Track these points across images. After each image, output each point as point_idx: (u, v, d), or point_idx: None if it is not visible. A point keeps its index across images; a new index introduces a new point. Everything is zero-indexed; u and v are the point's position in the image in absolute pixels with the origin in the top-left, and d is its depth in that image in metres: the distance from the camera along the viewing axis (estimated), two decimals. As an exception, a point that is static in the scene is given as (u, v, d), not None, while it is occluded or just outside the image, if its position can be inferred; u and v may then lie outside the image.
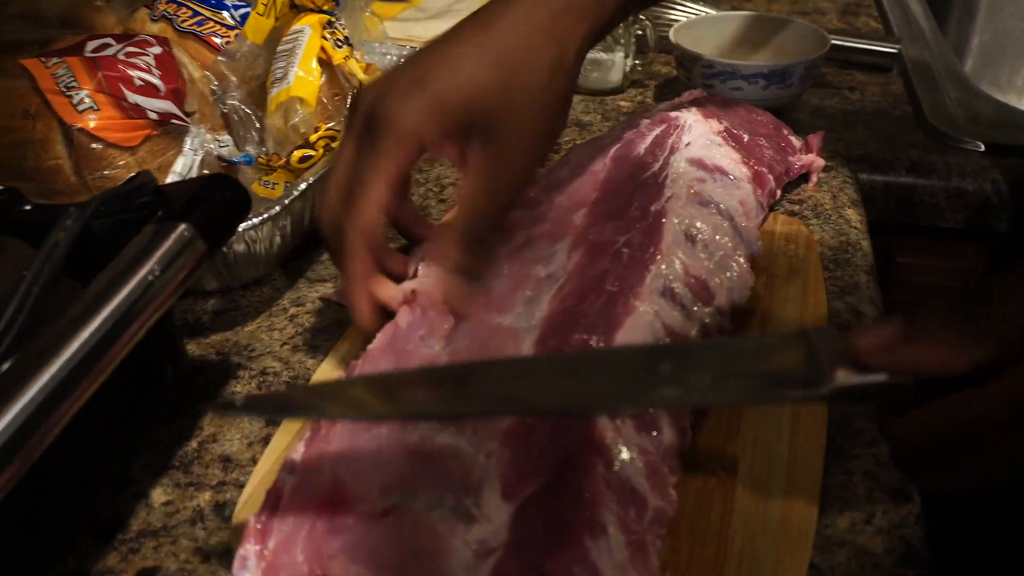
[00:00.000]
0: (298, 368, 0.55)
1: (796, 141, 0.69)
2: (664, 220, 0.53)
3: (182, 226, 0.44)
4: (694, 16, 0.92)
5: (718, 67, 0.78)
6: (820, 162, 0.70)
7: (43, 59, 0.61)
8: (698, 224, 0.54)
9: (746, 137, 0.65)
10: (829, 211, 0.68)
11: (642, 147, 0.62)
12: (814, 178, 0.70)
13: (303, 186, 0.60)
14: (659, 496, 0.41)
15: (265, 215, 0.57)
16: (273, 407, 0.47)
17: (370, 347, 0.50)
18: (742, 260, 0.54)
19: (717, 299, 0.51)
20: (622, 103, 0.88)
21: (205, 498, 0.47)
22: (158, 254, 0.42)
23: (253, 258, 0.60)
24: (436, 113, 0.49)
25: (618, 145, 0.63)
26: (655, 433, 0.43)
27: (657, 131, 0.63)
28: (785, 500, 0.43)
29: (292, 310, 0.60)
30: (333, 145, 0.64)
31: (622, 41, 0.86)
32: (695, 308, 0.49)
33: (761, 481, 0.44)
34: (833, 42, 0.87)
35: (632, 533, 0.39)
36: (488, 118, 0.49)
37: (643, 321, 0.47)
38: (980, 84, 0.91)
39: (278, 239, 0.61)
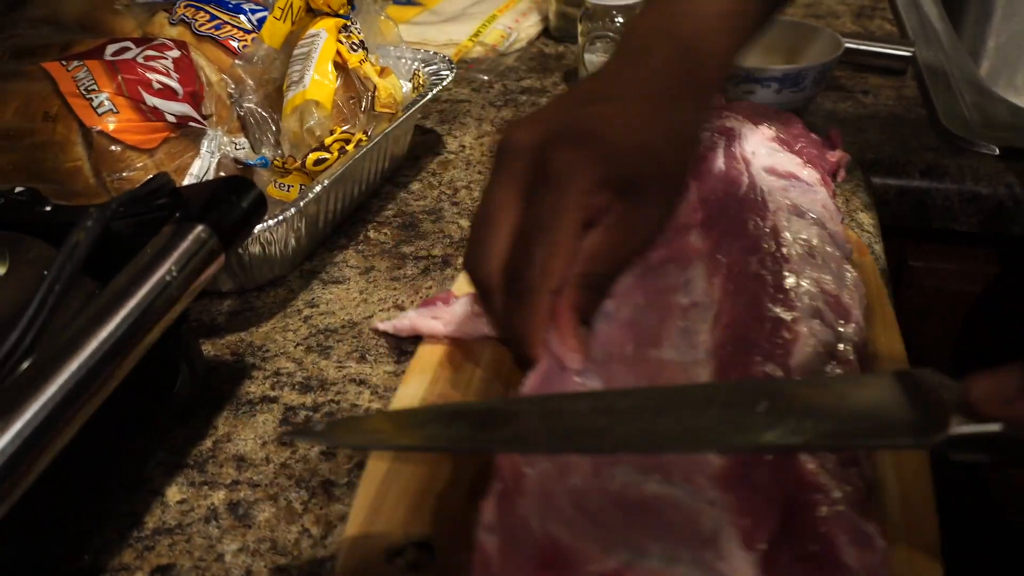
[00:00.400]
0: (311, 369, 0.56)
1: (818, 139, 0.70)
2: (783, 237, 0.52)
3: (199, 227, 0.45)
4: (708, 19, 0.92)
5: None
6: (846, 157, 0.70)
7: (64, 62, 0.62)
8: (805, 236, 0.53)
9: (792, 140, 0.65)
10: (842, 215, 0.68)
11: (719, 160, 0.61)
12: (842, 173, 0.70)
13: (318, 188, 0.61)
14: (879, 534, 0.38)
15: (280, 217, 0.58)
16: (352, 436, 0.43)
17: (524, 387, 0.46)
18: (850, 268, 0.53)
19: (853, 314, 0.50)
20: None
21: (219, 497, 0.47)
22: (176, 255, 0.43)
23: (268, 260, 0.61)
24: (608, 167, 0.47)
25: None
26: (857, 468, 0.41)
27: (722, 142, 0.63)
28: (904, 518, 0.43)
29: (306, 311, 0.61)
30: (348, 148, 0.65)
31: (636, 44, 0.87)
32: (839, 326, 0.48)
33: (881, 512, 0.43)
34: (847, 45, 0.87)
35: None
36: (647, 177, 0.48)
37: (809, 346, 0.46)
38: (996, 87, 0.91)
39: (293, 241, 0.62)
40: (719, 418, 0.36)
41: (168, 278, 0.42)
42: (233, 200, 0.47)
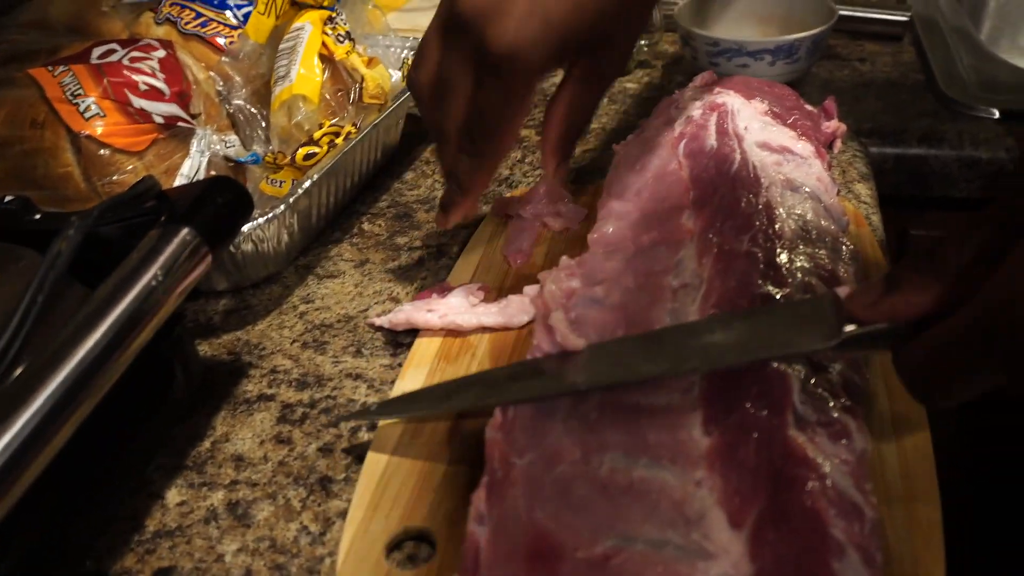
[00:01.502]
0: (308, 365, 0.56)
1: (813, 110, 0.69)
2: (776, 213, 0.52)
3: (185, 230, 0.45)
4: (700, -7, 0.91)
5: (723, 44, 0.77)
6: (843, 127, 0.69)
7: (50, 68, 0.62)
8: (799, 211, 0.53)
9: (785, 113, 0.64)
10: (839, 186, 0.67)
11: (711, 138, 0.61)
12: (839, 144, 0.69)
13: (307, 184, 0.60)
14: (869, 505, 0.39)
15: (271, 214, 0.58)
16: (402, 407, 0.50)
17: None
18: (846, 240, 0.53)
19: (849, 286, 0.50)
20: (629, 84, 0.87)
21: (218, 497, 0.48)
22: (161, 259, 0.43)
23: (262, 257, 0.61)
24: (555, 41, 0.49)
25: (684, 140, 0.61)
26: (846, 441, 0.41)
27: (714, 118, 0.62)
28: (906, 490, 0.43)
29: (302, 307, 0.61)
30: (337, 141, 0.65)
31: (627, 22, 0.86)
32: None
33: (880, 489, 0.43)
34: (842, 13, 0.86)
35: (862, 549, 0.37)
36: (600, 37, 0.51)
37: None
38: (998, 48, 0.90)
39: (286, 237, 0.62)
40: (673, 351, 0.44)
41: (154, 282, 0.42)
42: (219, 201, 0.47)
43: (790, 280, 0.48)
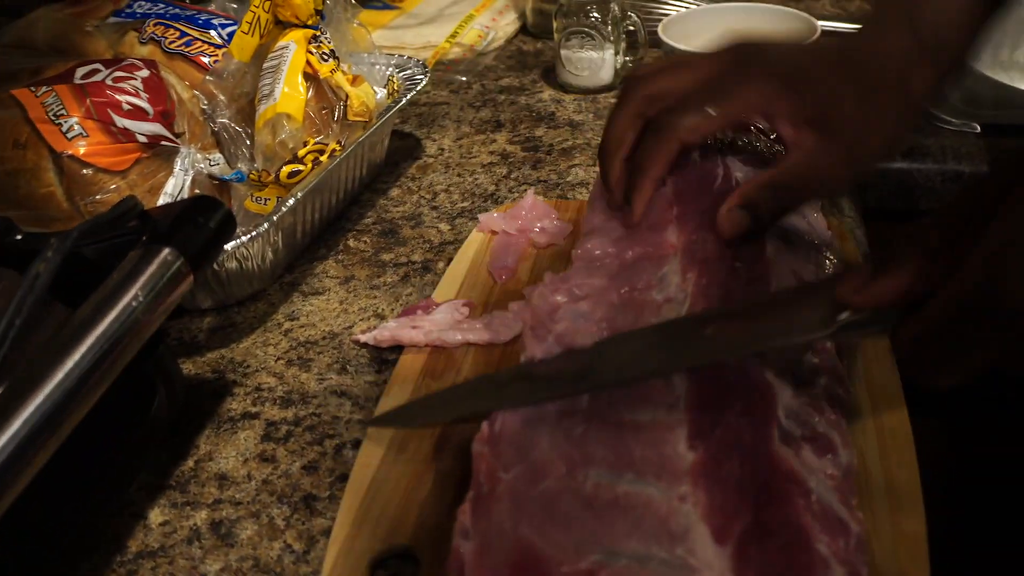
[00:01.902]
0: (292, 383, 0.56)
1: None
2: None
3: (166, 250, 0.45)
4: (684, 10, 0.92)
5: (707, 60, 0.77)
6: None
7: (33, 88, 0.62)
8: (782, 226, 0.53)
9: (766, 126, 0.64)
10: (823, 200, 0.67)
11: (694, 153, 0.60)
12: None
13: (291, 202, 0.61)
14: (855, 520, 0.39)
15: (254, 232, 0.58)
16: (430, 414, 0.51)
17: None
18: (830, 255, 0.53)
19: None
20: (615, 100, 0.88)
21: (201, 517, 0.47)
22: (142, 279, 0.43)
23: (246, 275, 0.61)
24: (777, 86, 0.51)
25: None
26: (831, 455, 0.42)
27: None
28: (891, 505, 0.43)
29: (287, 325, 0.61)
30: (322, 158, 0.65)
31: (612, 38, 0.86)
32: None
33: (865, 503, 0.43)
34: (824, 27, 0.87)
35: (847, 564, 0.37)
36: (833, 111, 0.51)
37: None
38: (981, 62, 0.90)
39: (270, 255, 0.62)
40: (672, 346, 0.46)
41: (135, 303, 0.42)
42: (200, 221, 0.47)
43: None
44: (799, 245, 0.53)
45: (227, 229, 0.48)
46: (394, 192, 0.75)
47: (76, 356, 0.39)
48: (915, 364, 0.39)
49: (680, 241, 0.55)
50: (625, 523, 0.39)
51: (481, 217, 0.65)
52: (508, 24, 1.03)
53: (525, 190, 0.73)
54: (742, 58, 0.52)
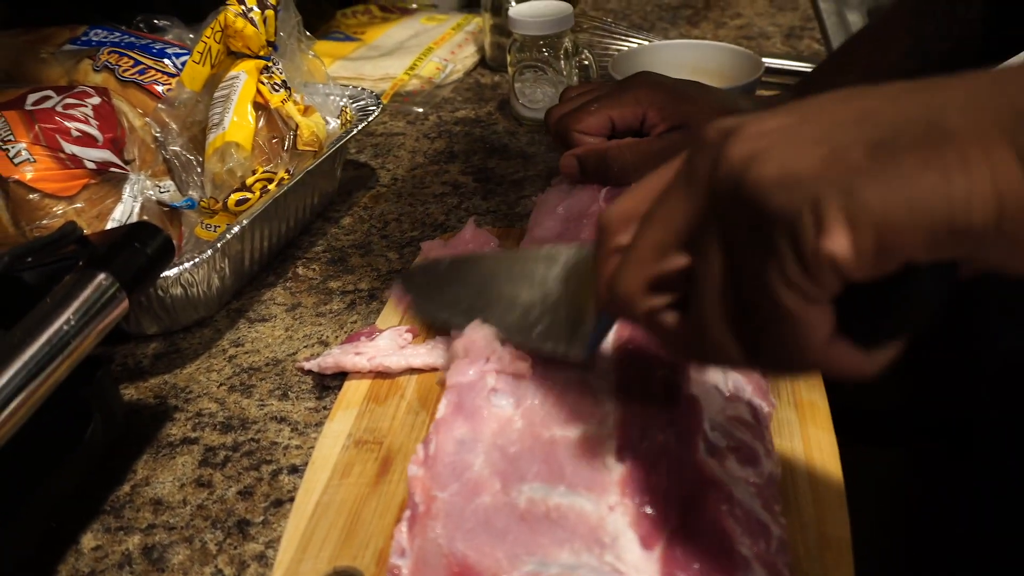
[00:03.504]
0: (233, 408, 0.56)
1: None
2: None
3: (101, 275, 0.45)
4: (635, 46, 0.94)
5: (654, 95, 0.79)
6: None
7: (-18, 114, 0.63)
8: None
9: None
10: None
11: None
12: None
13: (236, 229, 0.61)
14: (776, 524, 0.41)
15: (198, 258, 0.58)
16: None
17: (439, 415, 0.48)
18: None
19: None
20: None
21: (134, 541, 0.47)
22: (76, 303, 0.44)
23: (192, 301, 0.61)
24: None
25: (608, 188, 0.64)
26: (755, 466, 0.44)
27: None
28: (816, 512, 0.44)
29: (231, 351, 0.61)
30: (270, 187, 0.66)
31: (565, 72, 0.88)
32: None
33: (791, 509, 0.45)
34: (771, 65, 0.89)
35: (769, 565, 0.39)
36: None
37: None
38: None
39: (216, 281, 0.62)
40: None
41: (67, 326, 0.42)
42: (137, 246, 0.47)
43: None
44: None
45: (165, 255, 0.49)
46: (346, 220, 0.76)
47: (3, 378, 0.39)
48: (686, 352, 0.37)
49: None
50: (557, 534, 0.41)
51: (424, 245, 0.66)
52: (467, 57, 1.04)
53: (476, 221, 0.74)
54: (634, 77, 0.64)
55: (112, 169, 0.63)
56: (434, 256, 0.63)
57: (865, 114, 0.30)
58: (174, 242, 0.51)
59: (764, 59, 0.84)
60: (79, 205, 0.61)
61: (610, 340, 0.51)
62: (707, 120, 0.58)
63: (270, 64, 0.70)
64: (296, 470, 0.51)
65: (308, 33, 0.76)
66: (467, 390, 0.49)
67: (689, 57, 0.88)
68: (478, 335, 0.52)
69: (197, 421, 0.55)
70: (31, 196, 0.60)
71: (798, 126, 0.31)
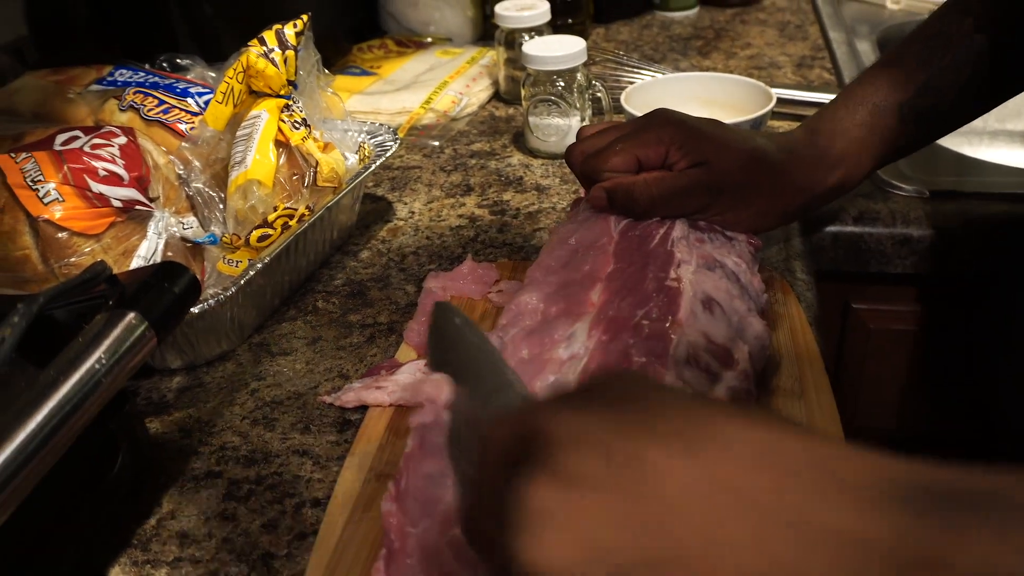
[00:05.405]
0: (256, 442, 0.57)
1: None
2: (680, 290, 0.55)
3: (131, 315, 0.46)
4: (647, 79, 0.96)
5: (667, 128, 0.81)
6: None
7: (13, 154, 0.65)
8: (710, 290, 0.56)
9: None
10: (776, 263, 0.70)
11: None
12: None
13: (259, 265, 0.63)
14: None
15: (222, 295, 0.60)
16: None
17: (406, 451, 0.49)
18: (758, 319, 0.56)
19: (741, 364, 0.52)
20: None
21: (161, 574, 0.48)
22: (106, 343, 0.45)
23: (215, 335, 0.63)
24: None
25: (624, 221, 0.64)
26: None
27: None
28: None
29: (254, 384, 0.63)
30: (291, 223, 0.67)
31: (578, 106, 0.90)
32: (721, 374, 0.51)
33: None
34: (782, 96, 0.90)
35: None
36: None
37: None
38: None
39: (239, 316, 0.64)
40: None
41: (98, 365, 0.44)
42: (165, 286, 0.48)
43: (670, 353, 0.50)
44: (721, 308, 0.55)
45: (192, 294, 0.50)
46: (364, 254, 0.78)
47: (39, 417, 0.40)
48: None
49: (600, 300, 0.57)
50: None
51: (427, 279, 0.68)
52: (481, 91, 1.06)
53: (491, 253, 0.75)
54: (652, 115, 0.66)
55: (138, 207, 0.65)
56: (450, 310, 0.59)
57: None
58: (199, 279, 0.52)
59: (775, 89, 0.85)
60: (106, 242, 0.63)
61: (577, 376, 0.52)
62: (724, 159, 0.62)
63: (290, 103, 0.72)
64: (319, 503, 0.52)
65: (327, 70, 0.78)
66: (428, 429, 0.50)
67: (701, 90, 0.90)
68: (435, 382, 0.52)
69: (221, 455, 0.56)
70: (60, 235, 0.61)
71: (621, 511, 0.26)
